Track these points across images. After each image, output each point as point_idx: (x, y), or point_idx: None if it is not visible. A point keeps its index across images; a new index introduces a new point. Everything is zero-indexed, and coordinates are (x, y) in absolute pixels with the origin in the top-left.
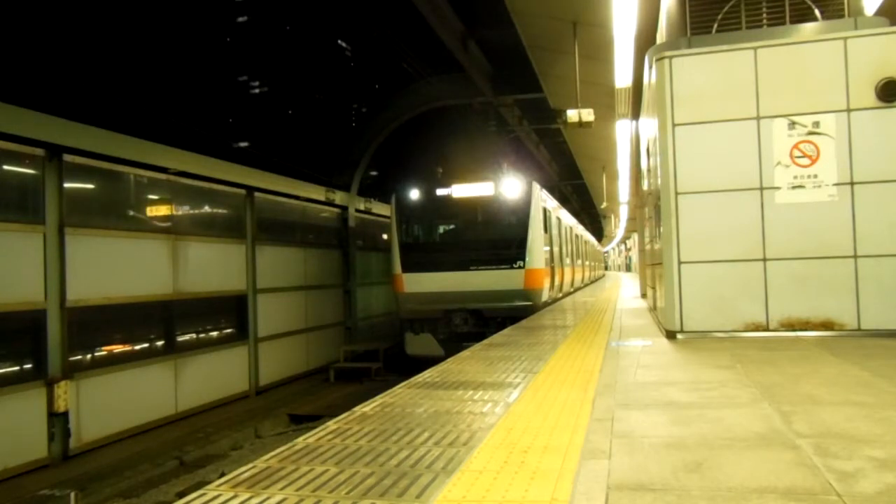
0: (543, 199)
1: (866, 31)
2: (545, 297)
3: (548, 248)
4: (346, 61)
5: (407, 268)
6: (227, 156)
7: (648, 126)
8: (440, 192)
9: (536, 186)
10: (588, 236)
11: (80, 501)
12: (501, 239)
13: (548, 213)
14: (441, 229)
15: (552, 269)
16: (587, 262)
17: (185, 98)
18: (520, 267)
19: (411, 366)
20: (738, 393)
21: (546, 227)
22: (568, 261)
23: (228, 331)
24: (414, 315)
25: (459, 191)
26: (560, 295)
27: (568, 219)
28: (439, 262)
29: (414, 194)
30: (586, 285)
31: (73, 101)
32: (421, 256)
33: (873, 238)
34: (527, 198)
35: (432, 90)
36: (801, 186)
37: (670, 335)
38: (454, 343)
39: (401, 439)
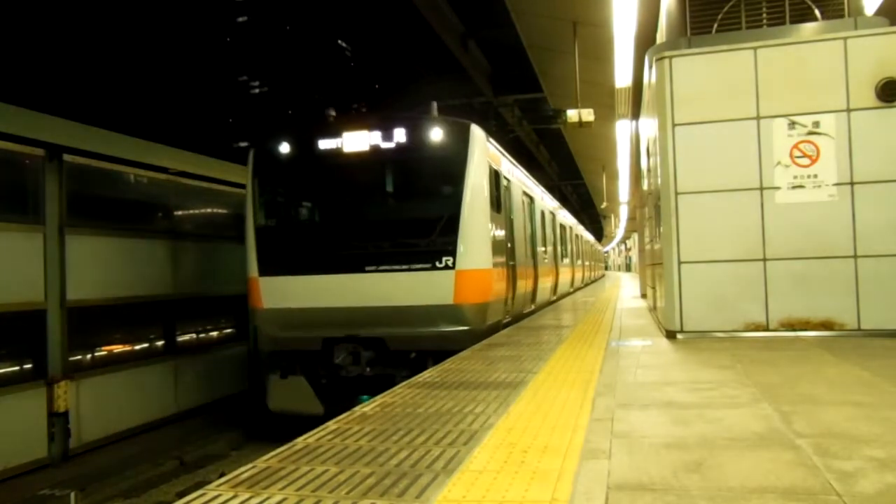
0: (496, 160)
1: (866, 31)
2: (496, 314)
3: (502, 235)
4: (346, 61)
5: (267, 268)
6: (227, 156)
7: (648, 126)
8: (323, 144)
9: (480, 135)
10: (581, 230)
11: (80, 501)
12: (417, 220)
13: (505, 184)
14: (322, 206)
15: (511, 269)
16: (581, 262)
17: (186, 98)
18: (446, 267)
19: (276, 430)
20: (738, 393)
21: (499, 203)
22: (546, 259)
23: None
24: (278, 346)
25: (353, 142)
26: (532, 308)
27: (548, 200)
28: (317, 259)
29: (283, 149)
30: (578, 289)
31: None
32: (289, 250)
33: (873, 238)
34: (461, 152)
35: (432, 90)
36: (801, 186)
37: (670, 335)
38: (343, 393)
39: (401, 439)
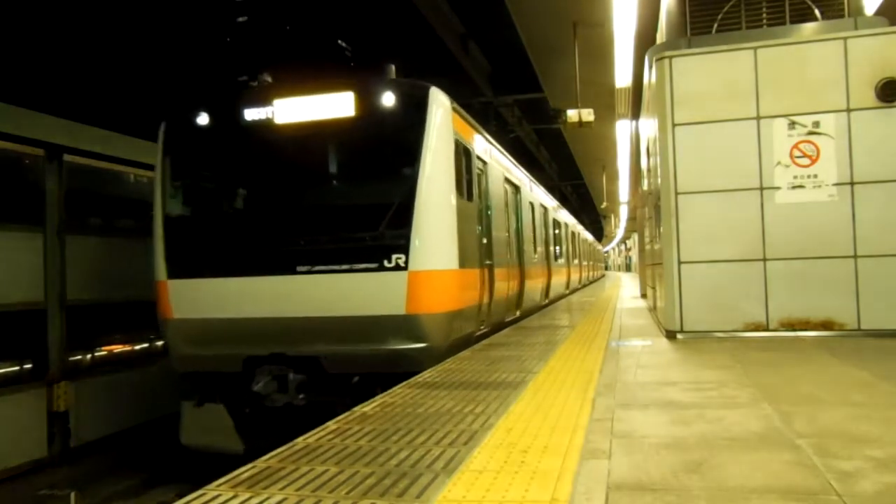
0: (467, 135)
1: (866, 31)
2: (464, 326)
3: (474, 228)
4: (346, 61)
5: (178, 270)
6: None
7: (648, 126)
8: (249, 115)
9: (442, 102)
10: (579, 228)
11: (80, 501)
12: (360, 208)
13: (480, 167)
14: (246, 192)
15: (488, 270)
16: (578, 262)
17: (186, 98)
18: (397, 267)
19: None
20: (737, 393)
21: (471, 189)
22: (535, 258)
23: None
24: (192, 367)
25: (285, 112)
26: (517, 314)
27: (540, 193)
28: (238, 257)
29: (201, 121)
30: (575, 291)
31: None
32: (204, 247)
33: (873, 238)
34: (417, 123)
35: None
36: (801, 186)
37: (670, 335)
38: (272, 427)
39: (401, 439)
